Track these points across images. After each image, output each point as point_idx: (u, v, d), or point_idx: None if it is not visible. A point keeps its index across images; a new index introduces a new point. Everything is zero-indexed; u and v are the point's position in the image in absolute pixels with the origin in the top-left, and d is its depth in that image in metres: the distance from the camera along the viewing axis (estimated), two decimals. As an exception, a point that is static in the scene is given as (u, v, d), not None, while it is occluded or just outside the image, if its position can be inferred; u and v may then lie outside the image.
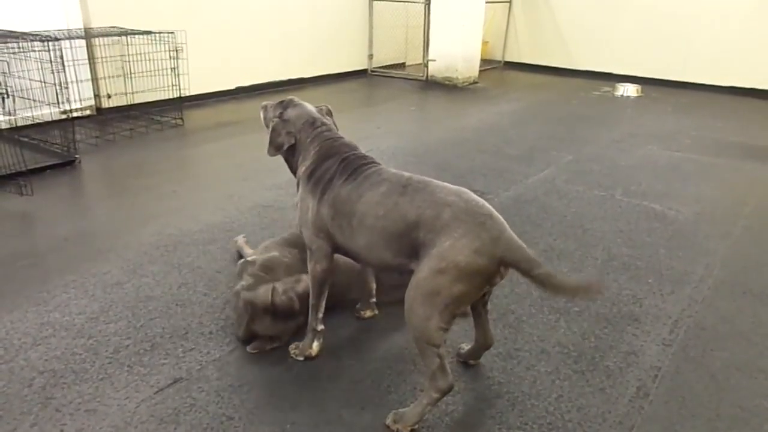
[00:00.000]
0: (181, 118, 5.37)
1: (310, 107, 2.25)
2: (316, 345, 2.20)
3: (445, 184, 1.92)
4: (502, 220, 1.85)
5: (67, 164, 4.17)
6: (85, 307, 2.49)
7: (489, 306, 2.06)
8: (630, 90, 7.46)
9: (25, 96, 4.23)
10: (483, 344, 2.14)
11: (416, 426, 1.86)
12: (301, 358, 2.19)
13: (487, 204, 1.88)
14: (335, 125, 2.27)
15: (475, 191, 3.96)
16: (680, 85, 7.89)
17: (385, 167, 2.06)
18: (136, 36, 5.09)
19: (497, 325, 2.43)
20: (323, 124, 2.19)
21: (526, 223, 3.44)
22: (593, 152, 4.92)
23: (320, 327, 2.19)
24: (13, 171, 3.74)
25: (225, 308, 2.50)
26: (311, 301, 2.17)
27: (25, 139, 4.33)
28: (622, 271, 2.94)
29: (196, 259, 2.92)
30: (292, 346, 2.23)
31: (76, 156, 4.24)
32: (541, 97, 7.27)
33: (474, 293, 1.80)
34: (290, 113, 2.20)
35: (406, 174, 1.98)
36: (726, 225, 3.52)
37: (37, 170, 3.94)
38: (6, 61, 4.02)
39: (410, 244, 1.83)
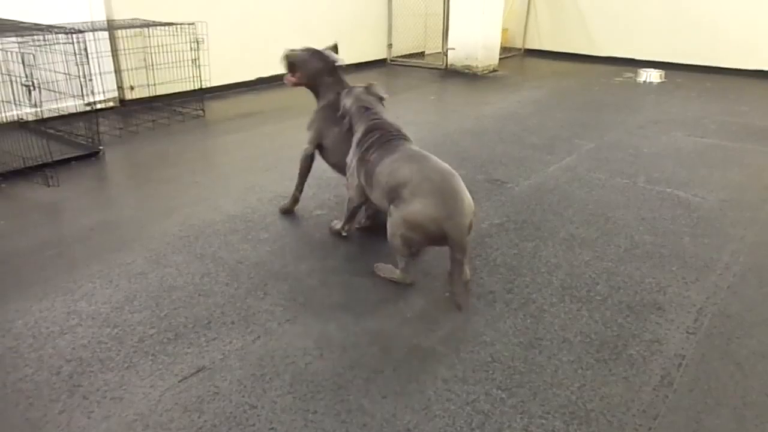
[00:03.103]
0: (203, 110, 5.41)
1: (363, 96, 2.96)
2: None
3: (439, 162, 2.56)
4: (467, 205, 2.43)
5: (92, 155, 4.23)
6: (110, 296, 2.53)
7: (467, 268, 2.56)
8: (653, 75, 7.33)
9: (51, 88, 4.29)
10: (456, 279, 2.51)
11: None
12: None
13: (461, 189, 2.45)
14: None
15: (495, 180, 3.96)
16: (704, 69, 7.74)
17: (405, 143, 2.71)
18: (158, 28, 5.13)
19: (518, 315, 2.43)
20: (371, 109, 2.90)
21: (548, 212, 3.42)
22: (616, 139, 4.86)
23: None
24: (40, 162, 3.81)
25: (247, 298, 2.53)
26: (349, 207, 2.97)
27: (51, 131, 4.39)
28: (646, 258, 2.91)
29: (218, 249, 2.95)
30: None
31: (101, 147, 4.29)
32: (562, 85, 7.19)
33: (421, 243, 2.52)
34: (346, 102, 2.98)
35: (415, 148, 2.67)
36: (752, 211, 3.46)
37: (62, 161, 4.00)
38: (32, 54, 4.07)
39: (395, 196, 2.50)
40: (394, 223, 2.48)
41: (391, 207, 2.52)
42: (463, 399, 1.97)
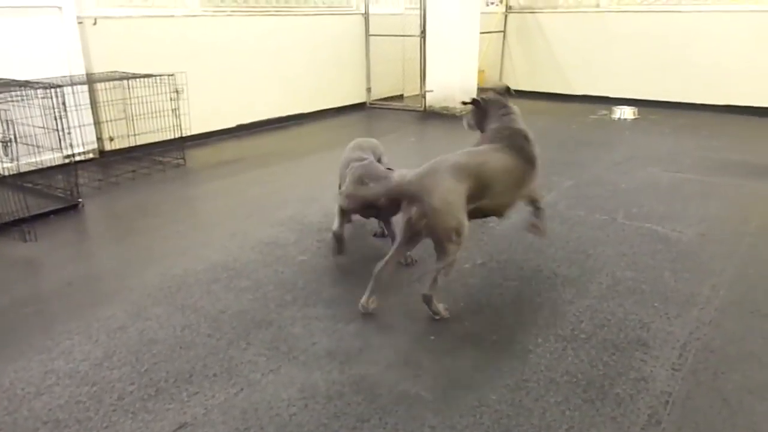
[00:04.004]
0: (183, 158, 5.42)
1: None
2: None
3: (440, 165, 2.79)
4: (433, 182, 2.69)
5: (71, 208, 4.19)
6: (89, 353, 2.48)
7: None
8: (627, 113, 7.50)
9: (29, 142, 4.28)
10: None
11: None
12: None
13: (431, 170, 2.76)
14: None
15: (476, 219, 3.92)
16: (677, 105, 7.93)
17: (448, 156, 2.90)
18: (137, 79, 5.17)
19: (503, 356, 2.41)
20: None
21: (530, 250, 3.43)
22: (594, 176, 4.93)
23: None
24: (17, 217, 3.76)
25: (229, 349, 2.49)
26: None
27: (29, 185, 4.36)
28: (628, 295, 2.92)
29: (200, 299, 2.92)
30: None
31: (80, 200, 4.26)
32: (539, 123, 7.28)
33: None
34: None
35: (435, 161, 2.87)
36: (730, 244, 3.50)
37: (41, 215, 3.96)
38: (8, 109, 4.07)
39: None
40: None
41: None
42: (451, 446, 1.94)
